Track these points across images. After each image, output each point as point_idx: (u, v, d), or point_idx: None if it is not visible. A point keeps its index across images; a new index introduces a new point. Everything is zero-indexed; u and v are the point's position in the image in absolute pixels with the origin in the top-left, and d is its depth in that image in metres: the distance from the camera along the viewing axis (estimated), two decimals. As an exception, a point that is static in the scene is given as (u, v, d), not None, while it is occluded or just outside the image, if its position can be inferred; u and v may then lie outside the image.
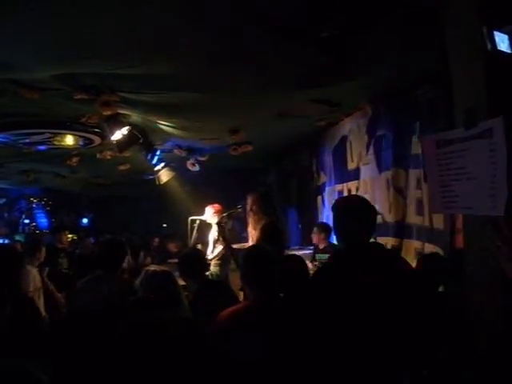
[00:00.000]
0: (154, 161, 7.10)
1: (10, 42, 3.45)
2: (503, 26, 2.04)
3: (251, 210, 5.78)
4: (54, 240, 8.68)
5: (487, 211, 1.93)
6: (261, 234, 4.92)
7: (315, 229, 6.69)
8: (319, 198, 8.04)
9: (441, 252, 4.41)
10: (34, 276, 5.98)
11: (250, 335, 2.50)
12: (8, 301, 3.18)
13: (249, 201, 5.82)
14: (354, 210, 2.62)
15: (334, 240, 6.80)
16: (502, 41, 2.02)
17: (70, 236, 10.69)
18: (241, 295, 4.34)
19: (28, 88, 4.42)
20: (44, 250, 6.29)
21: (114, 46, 3.59)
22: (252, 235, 5.61)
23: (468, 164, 2.04)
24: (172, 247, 10.33)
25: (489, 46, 1.98)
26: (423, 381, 2.30)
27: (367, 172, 6.18)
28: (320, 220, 7.81)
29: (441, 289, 3.82)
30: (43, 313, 5.78)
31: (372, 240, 2.74)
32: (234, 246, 6.01)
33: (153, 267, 3.63)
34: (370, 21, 3.30)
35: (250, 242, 5.62)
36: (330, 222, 5.01)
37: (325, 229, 6.53)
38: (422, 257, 4.02)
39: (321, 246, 6.50)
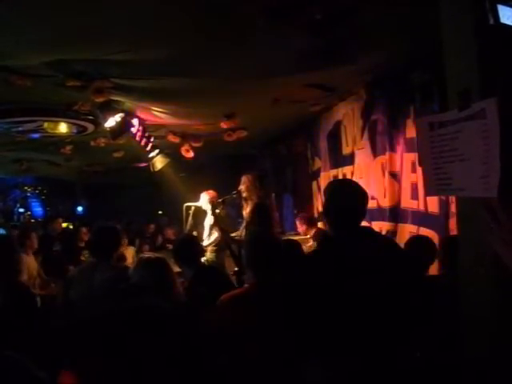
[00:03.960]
0: (149, 147, 6.99)
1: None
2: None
3: (241, 188, 5.81)
4: (48, 229, 8.71)
5: (480, 193, 1.92)
6: (251, 215, 4.93)
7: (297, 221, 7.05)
8: (314, 183, 8.04)
9: (436, 236, 4.43)
10: (28, 264, 5.99)
11: (251, 318, 2.51)
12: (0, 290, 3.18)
13: (242, 181, 5.84)
14: (342, 195, 2.60)
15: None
16: (506, 15, 2.00)
17: (64, 224, 10.71)
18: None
19: (19, 75, 4.38)
20: (34, 236, 6.27)
21: (105, 31, 3.55)
22: (245, 217, 5.64)
23: (461, 146, 2.02)
24: (170, 234, 10.36)
25: (491, 21, 1.95)
26: (416, 363, 2.31)
27: (362, 157, 6.18)
28: (316, 206, 7.85)
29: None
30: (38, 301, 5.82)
31: (364, 224, 2.72)
32: (232, 235, 6.02)
33: (147, 254, 3.63)
34: (363, 2, 3.27)
35: (243, 226, 5.64)
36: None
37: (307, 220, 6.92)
38: (409, 240, 4.04)
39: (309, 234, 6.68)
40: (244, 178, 5.86)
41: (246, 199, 5.74)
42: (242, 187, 5.79)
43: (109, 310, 1.74)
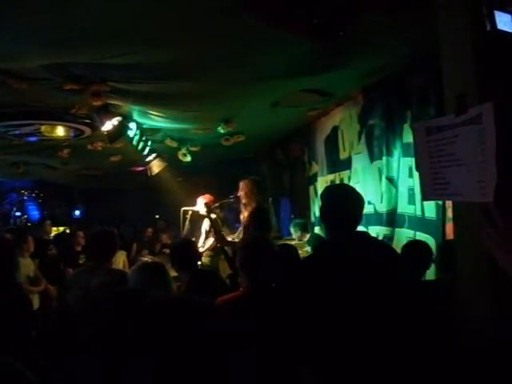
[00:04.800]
0: (146, 151, 7.06)
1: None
2: (506, 6, 2.02)
3: (240, 194, 5.80)
4: (40, 232, 8.68)
5: (477, 198, 1.92)
6: (249, 220, 4.92)
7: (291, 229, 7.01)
8: (311, 188, 8.05)
9: (433, 241, 4.43)
10: (26, 267, 5.98)
11: (246, 322, 2.50)
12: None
13: (240, 186, 5.83)
14: (339, 199, 2.60)
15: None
16: (502, 21, 2.00)
17: (61, 228, 10.70)
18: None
19: (16, 78, 4.37)
20: (31, 240, 6.27)
21: (102, 35, 3.55)
22: (243, 221, 5.63)
23: (458, 150, 2.03)
24: (165, 238, 10.37)
25: (488, 27, 1.96)
26: (412, 366, 2.31)
27: (359, 161, 6.19)
28: (313, 211, 7.86)
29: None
30: (36, 304, 5.81)
31: (359, 229, 2.72)
32: (228, 239, 6.01)
33: (145, 258, 3.63)
34: (360, 7, 3.28)
35: (241, 230, 5.64)
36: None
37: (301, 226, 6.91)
38: (405, 244, 4.04)
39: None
40: (242, 184, 5.84)
41: (245, 205, 5.71)
42: (241, 193, 5.76)
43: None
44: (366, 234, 2.88)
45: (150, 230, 11.14)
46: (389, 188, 5.43)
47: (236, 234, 5.93)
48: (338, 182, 6.73)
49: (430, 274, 3.88)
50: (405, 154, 5.06)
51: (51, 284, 6.25)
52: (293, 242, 5.96)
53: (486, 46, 1.99)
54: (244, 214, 5.67)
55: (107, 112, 5.57)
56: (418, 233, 4.86)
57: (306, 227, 6.94)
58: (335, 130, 6.90)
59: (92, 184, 12.75)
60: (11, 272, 3.48)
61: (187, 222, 6.32)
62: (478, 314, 2.10)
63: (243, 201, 5.73)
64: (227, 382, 1.41)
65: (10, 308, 3.14)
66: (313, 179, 7.96)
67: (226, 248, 5.44)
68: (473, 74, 1.99)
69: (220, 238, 5.63)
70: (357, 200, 2.60)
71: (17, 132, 6.55)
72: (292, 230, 6.95)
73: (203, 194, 6.56)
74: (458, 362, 2.24)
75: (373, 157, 5.79)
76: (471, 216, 2.02)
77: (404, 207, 5.18)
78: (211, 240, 6.50)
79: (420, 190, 2.47)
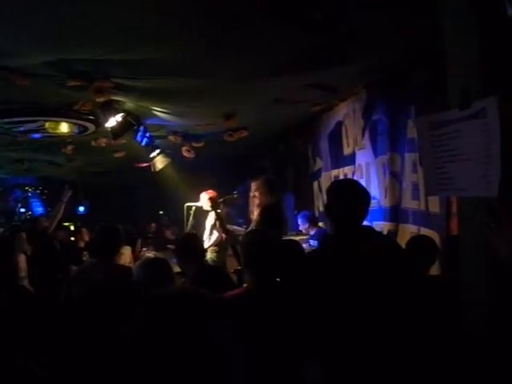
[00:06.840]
0: (144, 142, 6.96)
1: None
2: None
3: (255, 195, 5.75)
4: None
5: (481, 193, 1.91)
6: (262, 217, 4.91)
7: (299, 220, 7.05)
8: (315, 183, 8.04)
9: (436, 236, 4.42)
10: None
11: (251, 319, 2.50)
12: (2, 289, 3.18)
13: (253, 186, 5.78)
14: (346, 195, 2.60)
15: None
16: None
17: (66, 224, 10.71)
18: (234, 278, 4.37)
19: (19, 74, 4.37)
20: (24, 237, 6.26)
21: (104, 31, 3.54)
22: (253, 219, 5.58)
23: (462, 145, 2.01)
24: (169, 234, 10.39)
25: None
26: (414, 362, 2.31)
27: (363, 157, 6.18)
28: (317, 206, 7.86)
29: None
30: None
31: (365, 224, 2.71)
32: (231, 229, 6.01)
33: (149, 254, 3.64)
34: (363, 2, 3.27)
35: (252, 226, 5.61)
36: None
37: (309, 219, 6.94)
38: (410, 239, 4.03)
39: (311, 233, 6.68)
40: (255, 185, 5.76)
41: (258, 205, 5.65)
42: (255, 193, 5.68)
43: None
44: (371, 230, 2.87)
45: (153, 225, 11.16)
46: (393, 183, 5.42)
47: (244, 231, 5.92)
48: (341, 177, 6.73)
49: (435, 269, 3.87)
50: (409, 149, 5.04)
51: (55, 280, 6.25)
52: (298, 237, 5.95)
53: (492, 38, 1.97)
54: (255, 214, 5.61)
55: (111, 108, 5.58)
56: (422, 228, 4.85)
57: (313, 219, 6.94)
58: (339, 125, 6.89)
59: (96, 180, 12.77)
60: (13, 269, 3.50)
61: (191, 218, 6.34)
62: (481, 310, 2.09)
63: (257, 201, 5.65)
64: (231, 378, 1.41)
65: (17, 305, 3.15)
66: (317, 175, 7.95)
67: (235, 244, 5.43)
68: (477, 68, 1.98)
69: (230, 236, 5.61)
70: (363, 195, 2.60)
71: (21, 128, 6.58)
72: (300, 221, 6.96)
73: (206, 190, 6.57)
74: (459, 359, 2.23)
75: (377, 152, 5.77)
76: (475, 211, 2.01)
77: (408, 202, 5.17)
78: (216, 235, 6.50)
79: (424, 185, 2.47)
